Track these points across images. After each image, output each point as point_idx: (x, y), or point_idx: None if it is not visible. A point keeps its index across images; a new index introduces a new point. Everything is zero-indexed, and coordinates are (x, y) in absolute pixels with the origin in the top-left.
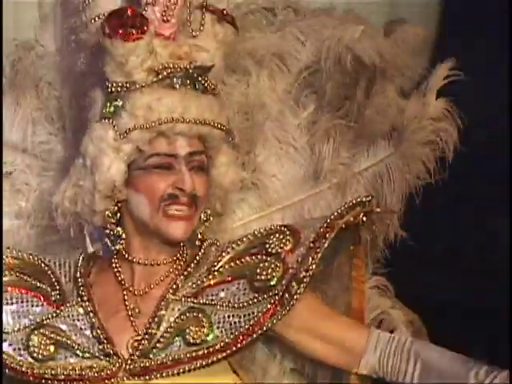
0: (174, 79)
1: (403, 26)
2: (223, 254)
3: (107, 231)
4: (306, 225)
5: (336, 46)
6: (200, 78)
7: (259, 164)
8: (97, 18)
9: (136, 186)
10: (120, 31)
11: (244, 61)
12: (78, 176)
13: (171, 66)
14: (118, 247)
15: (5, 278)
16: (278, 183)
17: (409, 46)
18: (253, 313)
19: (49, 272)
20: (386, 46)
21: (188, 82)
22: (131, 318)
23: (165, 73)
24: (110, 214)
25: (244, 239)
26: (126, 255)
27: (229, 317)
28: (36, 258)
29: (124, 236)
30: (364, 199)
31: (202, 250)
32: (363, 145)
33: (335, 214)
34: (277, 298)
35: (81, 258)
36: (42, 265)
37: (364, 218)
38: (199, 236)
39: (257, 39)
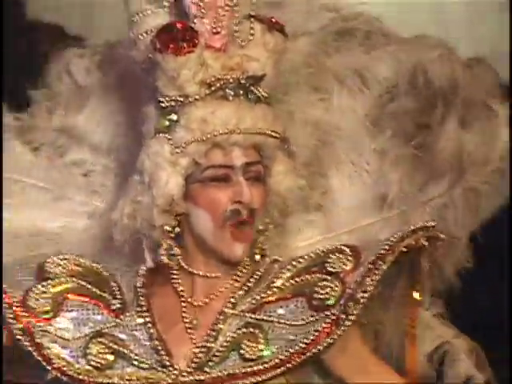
0: (227, 90)
1: (482, 62)
2: (284, 270)
3: (164, 246)
4: (367, 246)
5: (412, 69)
6: (252, 88)
7: (330, 186)
8: (145, 34)
9: (195, 200)
10: (171, 46)
11: (326, 79)
12: (136, 192)
13: (223, 77)
14: (172, 263)
15: (67, 285)
16: (347, 206)
17: (484, 82)
18: (309, 331)
19: (111, 281)
20: (461, 72)
21: (241, 92)
22: (189, 330)
23: (217, 84)
24: (170, 229)
25: (306, 257)
26: (187, 267)
27: (285, 334)
28: (99, 267)
29: (179, 253)
30: (427, 224)
31: (264, 266)
32: (432, 174)
33: (397, 236)
34: (333, 317)
35: (143, 269)
36: (105, 273)
37: (425, 243)
38: (259, 246)
39: (340, 58)
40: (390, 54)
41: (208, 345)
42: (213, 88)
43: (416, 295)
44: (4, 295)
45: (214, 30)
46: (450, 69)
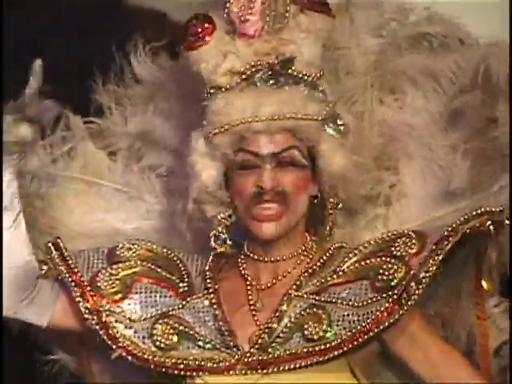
0: (256, 77)
1: None
2: (350, 255)
3: (213, 234)
4: (434, 230)
5: (488, 67)
6: (284, 72)
7: (401, 180)
8: None
9: (232, 189)
10: (184, 43)
11: (399, 80)
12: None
13: (256, 63)
14: (221, 250)
15: (136, 269)
16: (417, 199)
17: None
18: (371, 311)
19: (180, 265)
20: None
21: (271, 78)
22: (253, 312)
23: (248, 72)
24: (224, 216)
25: (371, 242)
26: (249, 254)
27: (348, 315)
28: (169, 252)
29: (228, 241)
30: (493, 209)
31: (330, 251)
32: (501, 165)
33: (461, 219)
34: (395, 297)
35: (212, 255)
36: (175, 258)
37: (491, 228)
38: (329, 225)
39: (413, 60)
40: (462, 56)
41: (272, 326)
42: (244, 76)
43: (484, 285)
44: (74, 275)
45: (242, 18)
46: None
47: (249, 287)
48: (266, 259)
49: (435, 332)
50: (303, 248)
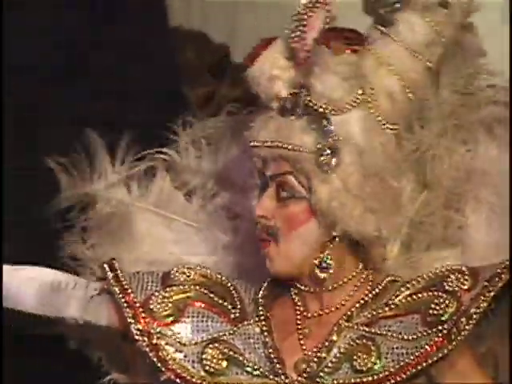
0: (283, 105)
1: None
2: (402, 289)
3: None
4: (487, 267)
5: None
6: (301, 101)
7: (467, 224)
8: None
9: None
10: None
11: (474, 130)
12: None
13: (291, 92)
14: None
15: (190, 293)
16: (482, 244)
17: None
18: (420, 345)
19: (233, 291)
20: None
21: (289, 105)
22: (301, 339)
23: (281, 101)
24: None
25: (425, 276)
26: (297, 284)
27: (397, 348)
28: (223, 278)
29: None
30: None
31: (383, 284)
32: None
33: None
34: (445, 332)
35: (265, 283)
36: (228, 284)
37: None
38: (327, 261)
39: (492, 110)
40: None
41: (321, 355)
42: (282, 102)
43: None
44: (127, 296)
45: (291, 45)
46: None
47: (298, 315)
48: (309, 289)
49: (484, 372)
50: (352, 280)
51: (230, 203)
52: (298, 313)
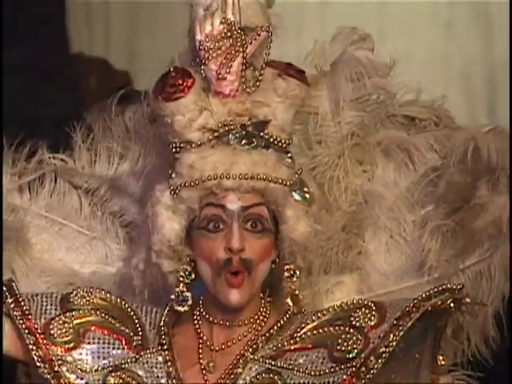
0: (230, 136)
1: None
2: (308, 321)
3: (176, 293)
4: (393, 303)
5: (463, 143)
6: (257, 133)
7: (366, 250)
8: None
9: (195, 247)
10: (162, 93)
11: (372, 152)
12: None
13: (229, 123)
14: (182, 309)
15: (90, 318)
16: (381, 271)
17: None
18: (328, 382)
19: (134, 317)
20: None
21: (244, 138)
22: (204, 373)
23: (221, 130)
24: (183, 275)
25: (330, 310)
26: (205, 314)
27: (304, 383)
28: (123, 303)
29: (188, 299)
30: (454, 286)
31: (287, 316)
32: (470, 243)
33: (423, 295)
34: (353, 369)
35: (167, 309)
36: (129, 309)
37: (452, 305)
38: (289, 292)
39: (388, 133)
40: (439, 138)
41: None
42: (216, 134)
43: (439, 360)
44: (28, 321)
45: (220, 76)
46: (500, 143)
47: (201, 346)
48: (221, 323)
49: None
50: (259, 313)
51: (123, 210)
52: (201, 345)
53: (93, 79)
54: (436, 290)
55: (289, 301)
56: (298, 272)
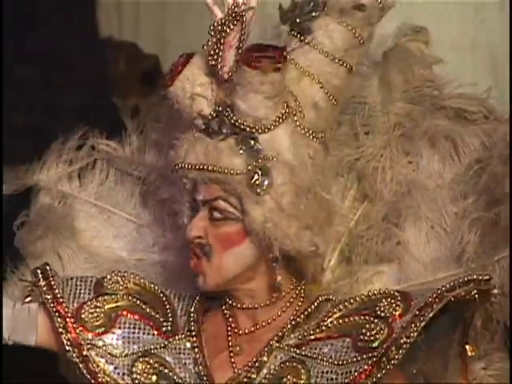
0: (210, 124)
1: None
2: (335, 310)
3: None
4: (419, 293)
5: (503, 136)
6: (224, 121)
7: (405, 239)
8: None
9: None
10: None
11: (418, 143)
12: None
13: (214, 110)
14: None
15: (122, 303)
16: (420, 261)
17: None
18: (350, 371)
19: (166, 302)
20: None
21: (216, 125)
22: (232, 358)
23: (210, 118)
24: None
25: (357, 299)
26: (228, 300)
27: (327, 372)
28: (156, 288)
29: None
30: (480, 277)
31: (315, 304)
32: (504, 238)
33: (447, 286)
34: (375, 359)
35: (198, 296)
36: (161, 295)
37: (476, 296)
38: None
39: (435, 124)
40: (486, 130)
41: (251, 376)
42: (206, 121)
43: (468, 351)
44: (58, 305)
45: (210, 63)
46: None
47: (229, 332)
48: (238, 306)
49: None
50: (286, 298)
51: (170, 199)
52: (229, 329)
53: (122, 63)
54: (461, 280)
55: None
56: (275, 262)
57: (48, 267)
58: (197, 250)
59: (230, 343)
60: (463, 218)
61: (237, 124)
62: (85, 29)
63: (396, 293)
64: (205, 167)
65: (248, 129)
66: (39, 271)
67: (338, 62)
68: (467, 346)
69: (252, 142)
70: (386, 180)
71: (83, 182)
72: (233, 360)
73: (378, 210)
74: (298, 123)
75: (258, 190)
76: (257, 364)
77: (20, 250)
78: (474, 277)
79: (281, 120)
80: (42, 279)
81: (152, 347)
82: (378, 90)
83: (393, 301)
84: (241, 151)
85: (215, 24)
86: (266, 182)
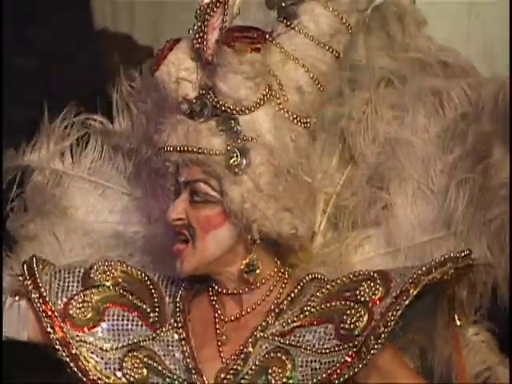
0: (193, 107)
1: None
2: (318, 293)
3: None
4: (398, 273)
5: (494, 90)
6: (206, 102)
7: (392, 202)
8: None
9: None
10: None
11: (404, 97)
12: None
13: (198, 93)
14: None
15: (109, 293)
16: (408, 223)
17: None
18: (333, 361)
19: (153, 291)
20: None
21: (197, 107)
22: (219, 347)
23: (194, 101)
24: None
25: (338, 281)
26: (214, 285)
27: (311, 362)
28: (143, 275)
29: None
30: (458, 255)
31: (300, 285)
32: (493, 196)
33: (423, 268)
34: (355, 349)
35: (185, 281)
36: (148, 282)
37: (451, 272)
38: (249, 260)
39: (420, 79)
40: (472, 84)
41: (237, 367)
42: (188, 106)
43: (457, 321)
44: (44, 305)
45: (195, 46)
46: None
47: (216, 319)
48: (224, 291)
49: (406, 364)
50: (268, 278)
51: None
52: (216, 316)
53: (117, 55)
54: (437, 261)
55: (245, 275)
56: (252, 245)
57: (35, 260)
58: (184, 231)
59: (218, 331)
60: (450, 177)
61: (218, 106)
62: (79, 20)
63: (376, 275)
64: (185, 148)
65: (229, 110)
66: (25, 267)
67: (323, 47)
68: (455, 316)
69: (232, 122)
70: (367, 141)
71: (76, 159)
72: (220, 349)
73: (361, 173)
74: (281, 106)
75: (236, 170)
76: (242, 355)
77: (12, 234)
78: (452, 255)
79: (262, 102)
80: (28, 276)
81: (141, 339)
82: (364, 46)
83: (372, 284)
84: (220, 132)
85: (201, 8)
86: (244, 162)
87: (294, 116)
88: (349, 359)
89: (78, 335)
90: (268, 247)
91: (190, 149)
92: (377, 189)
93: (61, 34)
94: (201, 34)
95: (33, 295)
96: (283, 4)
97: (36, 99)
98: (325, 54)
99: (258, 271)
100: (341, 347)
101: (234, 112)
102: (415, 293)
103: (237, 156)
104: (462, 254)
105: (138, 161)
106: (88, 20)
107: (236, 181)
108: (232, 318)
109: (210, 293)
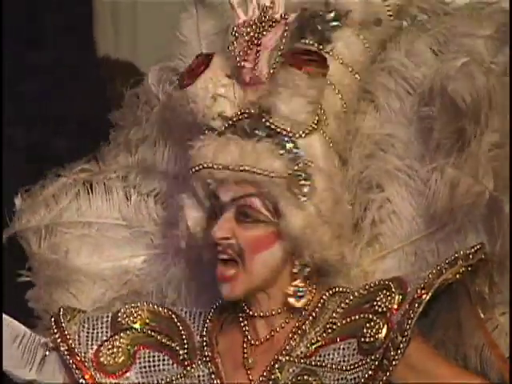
0: (237, 125)
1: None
2: (338, 309)
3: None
4: (414, 277)
5: (434, 80)
6: (259, 122)
7: (387, 198)
8: None
9: None
10: (179, 80)
11: (372, 84)
12: None
13: (244, 111)
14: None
15: (138, 335)
16: (407, 215)
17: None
18: (358, 377)
19: (181, 328)
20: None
21: (248, 127)
22: (248, 371)
23: (235, 119)
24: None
25: (356, 294)
26: (245, 308)
27: (338, 380)
28: (170, 313)
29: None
30: (468, 251)
31: (321, 303)
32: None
33: (433, 271)
34: (377, 363)
35: (211, 312)
36: (176, 319)
37: (462, 270)
38: (294, 287)
39: (381, 62)
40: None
41: None
42: (230, 122)
43: (480, 313)
44: (73, 357)
45: (238, 64)
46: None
47: (245, 343)
48: (255, 314)
49: (444, 361)
50: (308, 304)
51: (157, 188)
52: (245, 341)
53: (119, 82)
54: (447, 261)
55: (291, 300)
56: (306, 269)
57: (62, 312)
58: (228, 250)
59: (245, 355)
60: (431, 162)
61: (272, 127)
62: (82, 47)
63: (391, 283)
64: (241, 168)
65: (284, 132)
66: (53, 320)
67: (354, 74)
68: (479, 310)
69: (291, 145)
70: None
71: (60, 206)
72: (249, 374)
73: (352, 174)
74: (322, 131)
75: (300, 194)
76: (271, 382)
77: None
78: (461, 253)
79: (315, 126)
80: (55, 329)
81: (173, 378)
82: None
83: (388, 293)
84: (280, 154)
85: (242, 25)
86: (308, 187)
87: (331, 142)
88: (372, 373)
89: (110, 383)
90: (312, 272)
91: (248, 168)
92: (368, 190)
93: (62, 60)
94: (248, 52)
95: (62, 348)
96: (318, 26)
97: (37, 123)
98: (354, 81)
99: (307, 297)
100: (364, 361)
101: (290, 135)
102: (428, 298)
103: (301, 180)
104: (473, 250)
105: (128, 189)
106: (90, 47)
107: (299, 205)
108: (262, 340)
109: (241, 318)
